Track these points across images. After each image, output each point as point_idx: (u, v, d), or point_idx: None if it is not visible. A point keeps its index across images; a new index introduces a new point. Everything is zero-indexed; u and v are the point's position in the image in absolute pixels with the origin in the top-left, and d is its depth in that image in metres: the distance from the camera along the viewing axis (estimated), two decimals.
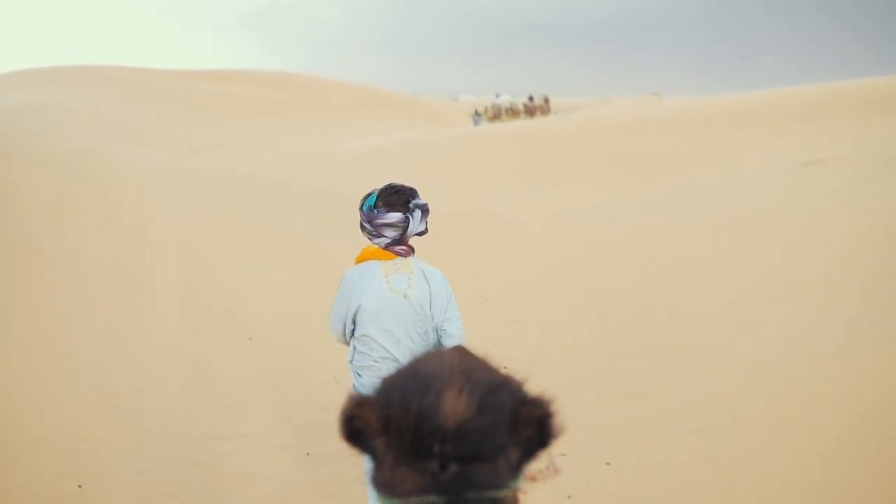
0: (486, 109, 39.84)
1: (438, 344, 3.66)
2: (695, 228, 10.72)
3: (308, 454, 5.36)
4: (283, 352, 7.43)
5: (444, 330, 3.63)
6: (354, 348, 3.68)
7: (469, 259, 10.70)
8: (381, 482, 1.10)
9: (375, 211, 3.56)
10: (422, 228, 3.64)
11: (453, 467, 1.04)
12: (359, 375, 3.68)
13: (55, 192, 12.34)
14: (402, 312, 3.55)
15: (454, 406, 1.05)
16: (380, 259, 3.60)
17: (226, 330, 8.02)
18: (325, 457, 5.25)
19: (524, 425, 1.08)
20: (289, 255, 11.11)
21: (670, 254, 9.74)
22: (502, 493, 1.07)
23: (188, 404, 6.19)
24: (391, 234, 3.56)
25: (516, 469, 1.10)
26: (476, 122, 36.23)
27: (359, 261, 3.68)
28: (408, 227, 3.56)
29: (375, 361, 3.60)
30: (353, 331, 3.66)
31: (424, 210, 3.63)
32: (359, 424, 1.10)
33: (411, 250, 3.66)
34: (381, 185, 3.69)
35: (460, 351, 1.24)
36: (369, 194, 3.64)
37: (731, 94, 28.17)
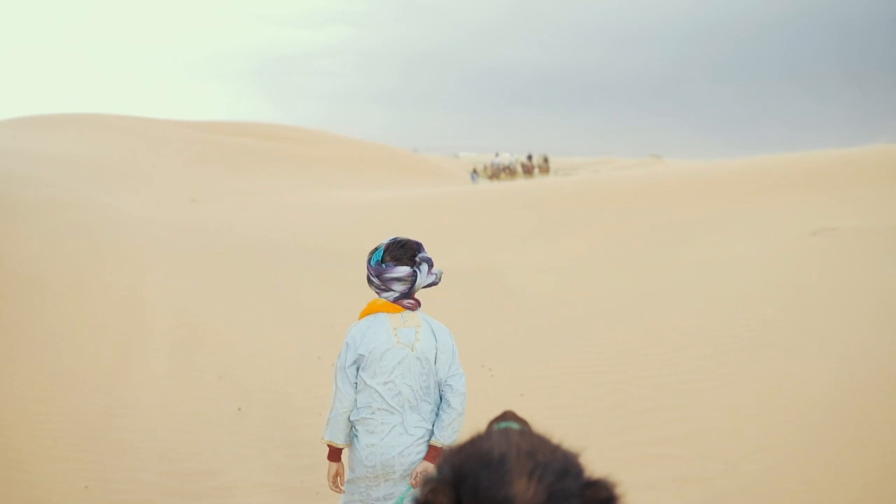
0: (484, 168, 39.97)
1: (439, 400, 3.64)
2: (699, 301, 10.42)
3: None
4: (273, 424, 7.00)
5: (450, 385, 3.62)
6: (355, 401, 3.62)
7: (472, 323, 10.39)
8: None
9: (383, 265, 3.57)
10: (429, 281, 3.63)
11: None
12: (356, 437, 3.62)
13: (50, 242, 12.10)
14: (407, 364, 3.54)
15: (525, 493, 1.08)
16: (387, 312, 3.60)
17: (216, 398, 7.62)
18: None
19: None
20: (285, 315, 10.78)
21: (672, 328, 9.40)
22: None
23: (172, 472, 5.82)
24: (399, 287, 3.57)
25: None
26: (474, 180, 36.30)
27: (364, 314, 3.66)
28: (416, 280, 3.57)
29: (373, 413, 3.56)
30: (355, 384, 3.61)
31: (430, 263, 3.64)
32: None
33: (418, 304, 3.67)
34: (385, 239, 3.69)
35: (524, 431, 1.27)
36: (376, 249, 3.64)
37: (733, 159, 28.20)
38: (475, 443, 1.22)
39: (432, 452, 3.58)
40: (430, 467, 3.48)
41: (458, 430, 3.61)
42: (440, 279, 3.70)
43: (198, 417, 7.05)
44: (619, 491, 1.13)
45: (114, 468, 5.80)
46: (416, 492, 1.17)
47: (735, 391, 7.09)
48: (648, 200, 19.08)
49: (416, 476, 3.54)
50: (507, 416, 1.62)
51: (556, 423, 6.94)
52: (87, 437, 6.34)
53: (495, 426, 1.47)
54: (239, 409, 7.30)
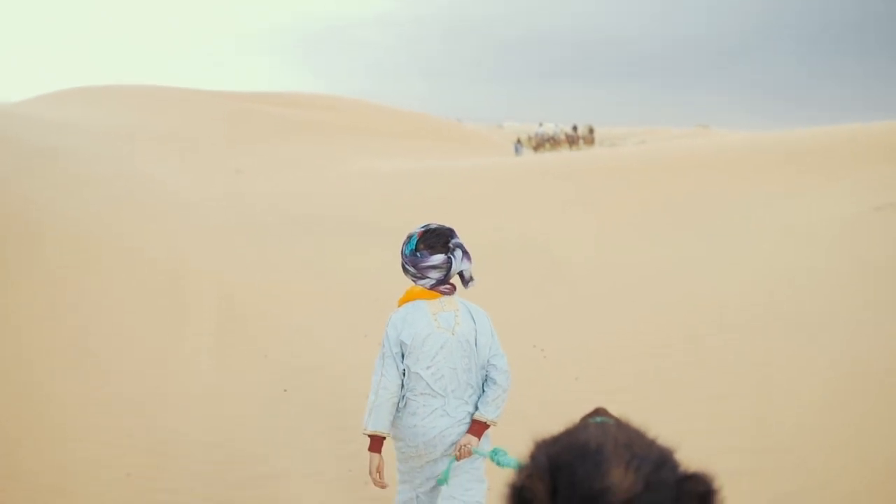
0: (528, 138, 39.41)
1: (485, 379, 3.68)
2: (757, 278, 10.00)
3: None
4: (319, 407, 6.79)
5: (494, 365, 3.66)
6: (401, 387, 3.66)
7: (521, 298, 10.13)
8: None
9: (418, 255, 3.61)
10: (464, 267, 3.67)
11: None
12: (399, 419, 3.65)
13: (96, 216, 12.04)
14: (449, 348, 3.59)
15: (622, 482, 1.08)
16: (425, 298, 3.64)
17: (260, 379, 7.43)
18: None
19: (688, 500, 1.10)
20: (330, 290, 10.58)
21: (734, 305, 9.02)
22: None
23: (215, 460, 5.62)
24: (435, 275, 3.61)
25: None
26: (518, 151, 35.70)
27: (403, 302, 3.71)
28: (451, 267, 3.62)
29: (416, 397, 3.60)
30: (403, 371, 3.64)
31: (463, 249, 3.67)
32: (528, 495, 1.13)
33: (454, 288, 3.71)
34: (417, 227, 3.71)
35: (619, 423, 1.34)
36: (409, 237, 3.67)
37: (787, 130, 27.38)
38: (571, 434, 1.24)
39: (476, 427, 3.60)
40: (473, 440, 3.56)
41: (501, 406, 3.65)
42: (471, 281, 3.73)
43: (242, 400, 6.86)
44: (716, 485, 1.12)
45: (156, 455, 5.61)
46: (511, 478, 1.18)
47: (804, 375, 6.68)
48: (698, 171, 18.53)
49: (460, 448, 3.56)
50: (600, 411, 1.59)
51: (617, 408, 6.61)
52: (129, 420, 6.18)
53: (590, 420, 1.49)
54: (285, 390, 7.10)
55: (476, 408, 3.65)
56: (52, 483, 5.00)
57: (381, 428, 3.62)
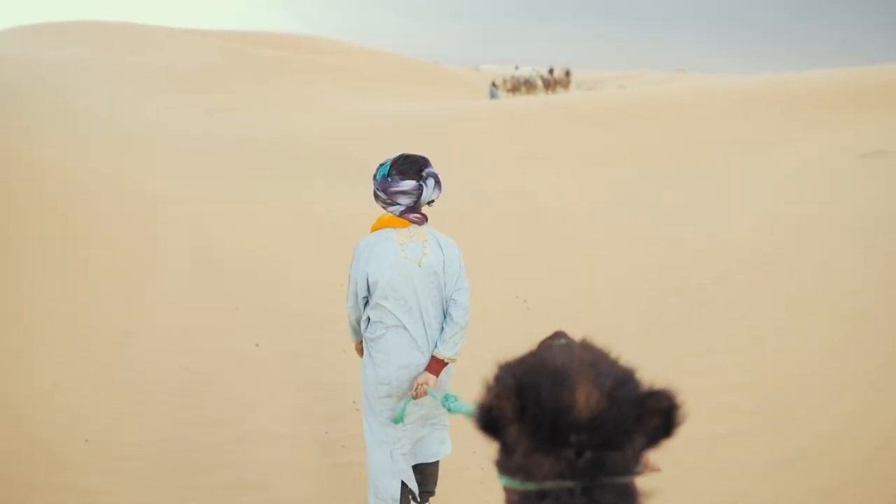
0: (504, 82, 38.73)
1: (446, 313, 3.68)
2: (741, 228, 9.74)
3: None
4: (294, 362, 6.47)
5: (454, 300, 3.66)
6: (368, 319, 3.71)
7: (503, 248, 9.84)
8: (515, 467, 1.15)
9: (389, 179, 3.59)
10: (434, 196, 3.66)
11: (588, 454, 1.10)
12: (370, 358, 3.70)
13: (66, 147, 11.55)
14: (415, 280, 3.58)
15: (588, 399, 1.11)
16: (395, 227, 3.63)
17: (232, 332, 7.07)
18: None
19: (651, 416, 1.13)
20: (306, 236, 10.20)
21: (722, 251, 8.79)
22: (629, 479, 1.13)
23: (182, 421, 5.30)
24: (405, 201, 3.58)
25: (639, 456, 1.14)
26: (493, 95, 35.10)
27: (374, 229, 3.70)
28: (421, 194, 3.58)
29: (387, 329, 3.61)
30: (365, 300, 3.68)
31: (437, 179, 3.65)
32: (496, 414, 1.15)
33: (425, 218, 3.68)
34: (393, 154, 3.69)
35: (583, 343, 1.33)
36: (382, 164, 3.66)
37: (767, 74, 27.03)
38: (536, 355, 1.26)
39: (434, 364, 3.61)
40: (431, 379, 3.59)
41: (459, 343, 3.66)
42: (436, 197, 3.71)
43: (213, 355, 6.49)
44: (679, 400, 1.12)
45: (118, 417, 5.26)
46: (477, 399, 1.19)
47: (803, 325, 6.46)
48: (679, 116, 18.17)
49: (417, 388, 3.58)
50: (560, 334, 1.57)
51: None
52: (90, 380, 5.78)
53: (553, 343, 1.45)
54: (257, 344, 6.76)
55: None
56: (8, 447, 4.65)
57: (356, 340, 3.95)
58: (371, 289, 3.62)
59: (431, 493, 4.01)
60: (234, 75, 30.81)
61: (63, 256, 8.04)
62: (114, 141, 13.95)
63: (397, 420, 3.64)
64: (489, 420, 1.16)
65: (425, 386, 3.57)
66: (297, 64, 36.15)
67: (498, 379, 1.20)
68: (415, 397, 3.60)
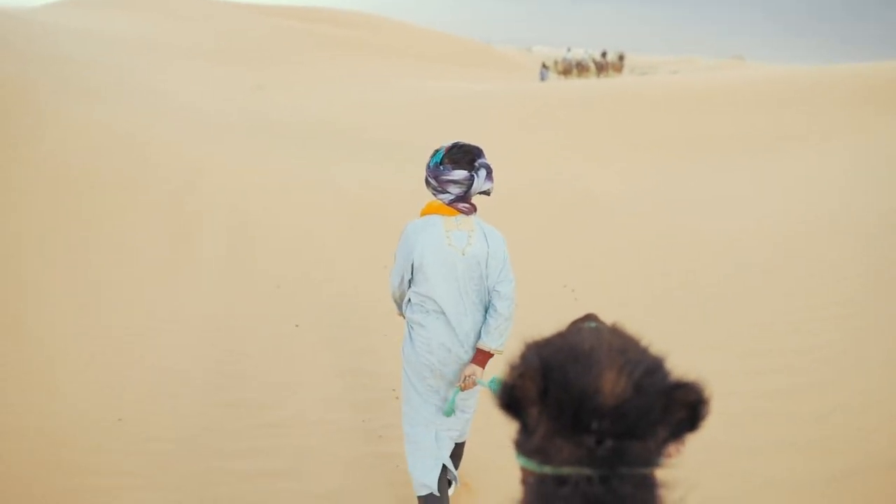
0: (555, 63, 38.18)
1: (488, 304, 3.68)
2: (793, 217, 9.41)
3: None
4: (333, 346, 6.34)
5: (497, 291, 3.65)
6: (409, 300, 3.74)
7: (551, 238, 9.63)
8: (533, 449, 1.14)
9: (441, 168, 3.58)
10: (486, 188, 3.64)
11: (609, 443, 1.08)
12: (410, 338, 3.73)
13: (104, 126, 11.57)
14: (457, 268, 3.59)
15: (614, 386, 1.08)
16: (442, 214, 3.63)
17: (270, 313, 6.96)
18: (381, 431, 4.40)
19: (678, 408, 1.10)
20: (350, 217, 10.06)
21: (774, 256, 8.47)
22: (650, 471, 1.11)
23: (217, 403, 5.20)
24: (455, 190, 3.58)
25: (661, 448, 1.13)
26: (543, 77, 34.63)
27: (423, 214, 3.70)
28: (472, 184, 3.58)
29: (427, 313, 3.65)
30: (409, 282, 3.71)
31: (489, 169, 3.63)
32: (518, 393, 1.14)
33: (474, 208, 3.67)
34: (447, 142, 3.69)
35: (614, 328, 1.31)
36: (436, 151, 3.65)
37: (824, 65, 26.28)
38: (564, 336, 1.25)
39: (479, 356, 3.62)
40: (478, 370, 3.59)
41: (504, 335, 3.65)
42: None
43: (251, 336, 6.40)
44: (707, 395, 1.09)
45: (152, 397, 5.18)
46: (500, 376, 1.18)
47: (853, 336, 6.09)
48: (733, 105, 17.72)
49: (465, 379, 3.59)
50: (591, 317, 1.54)
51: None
52: (125, 358, 5.72)
53: (582, 325, 1.42)
54: (296, 325, 6.65)
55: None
56: (40, 427, 4.59)
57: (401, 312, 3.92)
58: (414, 272, 3.64)
59: (455, 469, 4.08)
60: (282, 51, 30.84)
61: (100, 232, 8.00)
62: (159, 113, 13.95)
63: (448, 413, 3.65)
64: (511, 399, 1.15)
65: (473, 377, 3.59)
66: (347, 41, 36.12)
67: (524, 358, 1.19)
68: (463, 389, 3.61)
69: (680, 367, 1.15)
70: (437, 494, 3.70)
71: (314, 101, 19.71)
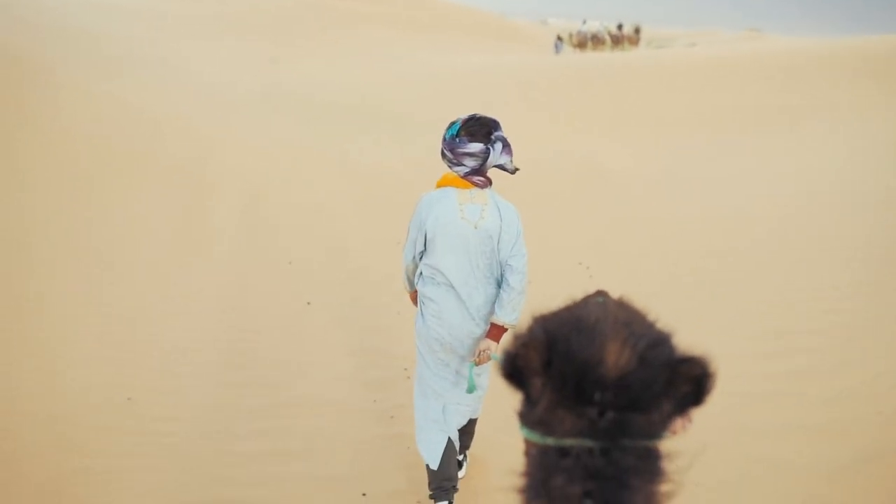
0: (570, 36, 37.73)
1: (500, 278, 3.67)
2: (824, 203, 9.26)
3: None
4: (344, 324, 6.29)
5: (510, 265, 3.62)
6: (421, 273, 3.74)
7: (566, 214, 9.55)
8: (536, 420, 1.15)
9: (457, 140, 3.57)
10: (502, 161, 3.59)
11: (611, 415, 1.08)
12: (421, 312, 3.74)
13: (116, 99, 11.52)
14: (469, 241, 3.57)
15: (618, 357, 1.09)
16: (457, 187, 3.61)
17: (282, 290, 6.93)
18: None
19: (682, 382, 1.10)
20: (364, 192, 10.00)
21: (795, 228, 8.36)
22: (653, 444, 1.11)
23: (227, 383, 5.20)
24: (471, 163, 3.56)
25: (666, 422, 1.13)
26: (558, 49, 34.24)
27: (438, 185, 3.69)
28: (487, 157, 3.56)
29: (437, 285, 3.65)
30: (422, 253, 3.71)
31: (505, 142, 3.59)
32: (521, 363, 1.14)
33: (489, 182, 3.65)
34: (464, 114, 3.66)
35: (621, 302, 1.32)
36: (453, 123, 3.63)
37: (843, 36, 25.89)
38: (571, 309, 1.25)
39: (494, 331, 3.60)
40: (493, 345, 3.57)
41: (518, 309, 3.61)
42: (513, 169, 3.66)
43: (261, 314, 6.37)
44: (712, 369, 1.08)
45: (161, 376, 5.15)
46: (504, 345, 1.16)
47: (864, 318, 5.97)
48: (752, 80, 17.49)
49: (479, 354, 3.58)
50: (601, 293, 1.50)
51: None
52: (136, 336, 5.70)
53: (591, 299, 1.41)
54: (308, 303, 6.61)
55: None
56: (49, 407, 4.58)
57: (410, 289, 3.92)
58: (427, 243, 3.65)
59: (467, 448, 4.14)
60: (300, 24, 30.62)
61: (111, 209, 7.99)
62: (172, 86, 13.90)
63: (471, 389, 3.65)
64: (514, 368, 1.15)
65: (488, 352, 3.57)
66: (362, 14, 35.80)
67: (530, 329, 1.20)
68: (477, 363, 3.61)
69: (687, 344, 1.14)
70: (444, 469, 3.68)
71: (329, 76, 19.57)
